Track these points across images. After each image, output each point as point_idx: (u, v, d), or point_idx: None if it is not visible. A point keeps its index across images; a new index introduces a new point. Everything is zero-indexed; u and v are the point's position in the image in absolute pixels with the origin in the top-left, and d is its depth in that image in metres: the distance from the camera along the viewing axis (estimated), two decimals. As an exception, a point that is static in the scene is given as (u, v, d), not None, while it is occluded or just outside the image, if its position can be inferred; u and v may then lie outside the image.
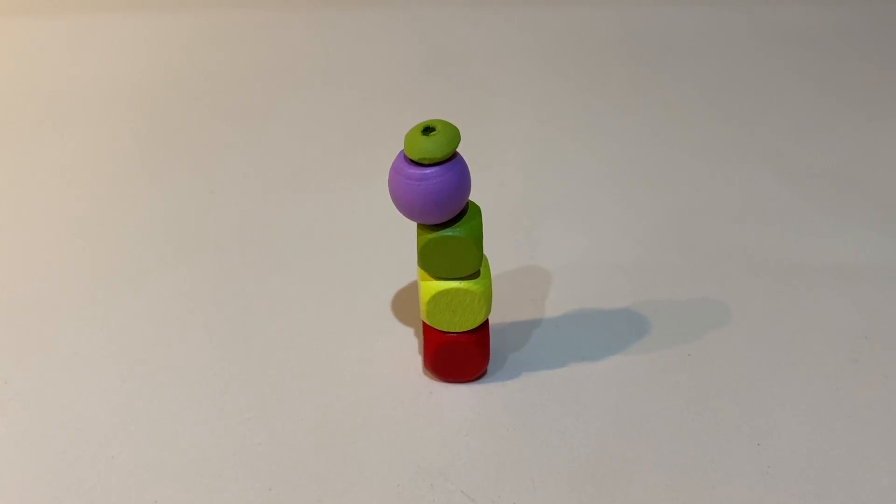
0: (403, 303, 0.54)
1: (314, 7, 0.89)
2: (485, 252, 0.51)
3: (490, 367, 0.50)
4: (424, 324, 0.48)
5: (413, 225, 0.58)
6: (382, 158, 0.58)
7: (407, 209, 0.42)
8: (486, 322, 0.48)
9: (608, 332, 0.52)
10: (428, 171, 0.41)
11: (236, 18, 0.87)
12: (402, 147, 0.48)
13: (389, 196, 0.43)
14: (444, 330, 0.47)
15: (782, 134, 0.71)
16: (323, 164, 0.68)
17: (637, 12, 0.88)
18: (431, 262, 0.44)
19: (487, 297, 0.46)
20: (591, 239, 0.60)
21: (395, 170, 0.42)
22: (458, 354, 0.48)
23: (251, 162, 0.68)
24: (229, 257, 0.58)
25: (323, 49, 0.83)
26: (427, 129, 0.42)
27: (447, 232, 0.43)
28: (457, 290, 0.45)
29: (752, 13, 0.87)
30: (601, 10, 0.89)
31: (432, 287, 0.45)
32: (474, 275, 0.45)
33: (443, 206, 0.42)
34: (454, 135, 0.42)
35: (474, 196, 0.55)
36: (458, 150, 0.43)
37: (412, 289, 0.55)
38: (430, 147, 0.41)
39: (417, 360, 0.51)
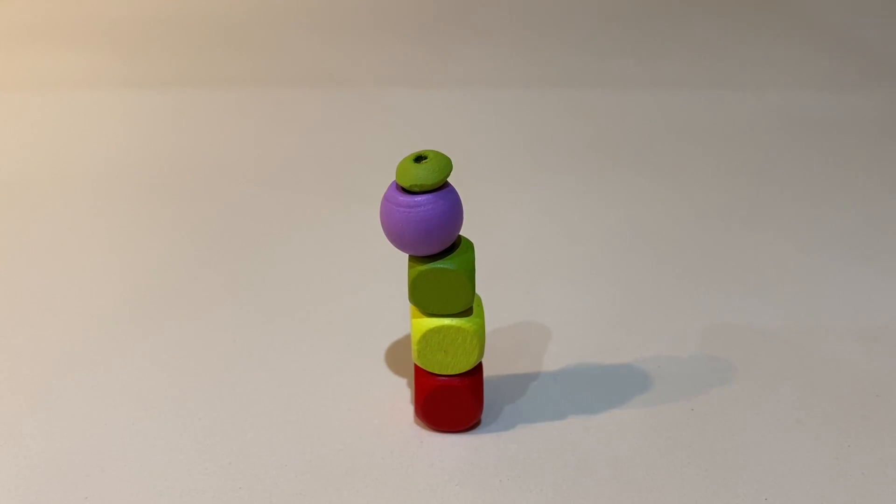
0: (399, 353, 0.53)
1: (314, 86, 0.91)
2: (484, 307, 0.49)
3: (484, 418, 0.48)
4: (416, 368, 0.46)
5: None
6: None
7: (397, 238, 0.42)
8: (481, 368, 0.47)
9: (608, 385, 0.51)
10: (419, 198, 0.41)
11: (238, 96, 0.89)
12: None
13: (381, 226, 0.43)
14: (436, 372, 0.45)
15: (785, 197, 0.70)
16: (319, 218, 0.67)
17: (635, 93, 0.89)
18: (423, 295, 0.43)
19: (480, 336, 0.44)
20: (593, 297, 0.58)
21: (386, 198, 0.42)
22: (451, 400, 0.46)
23: (246, 216, 0.68)
24: (222, 306, 0.57)
25: (324, 123, 0.84)
26: (419, 158, 0.41)
27: (438, 264, 0.42)
28: (449, 327, 0.44)
29: (740, 97, 0.89)
30: (599, 91, 0.90)
31: (423, 325, 0.44)
32: (466, 312, 0.44)
33: (433, 235, 0.41)
34: (446, 163, 0.41)
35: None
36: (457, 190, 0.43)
37: (408, 341, 0.54)
38: (422, 174, 0.41)
39: (410, 409, 0.49)
